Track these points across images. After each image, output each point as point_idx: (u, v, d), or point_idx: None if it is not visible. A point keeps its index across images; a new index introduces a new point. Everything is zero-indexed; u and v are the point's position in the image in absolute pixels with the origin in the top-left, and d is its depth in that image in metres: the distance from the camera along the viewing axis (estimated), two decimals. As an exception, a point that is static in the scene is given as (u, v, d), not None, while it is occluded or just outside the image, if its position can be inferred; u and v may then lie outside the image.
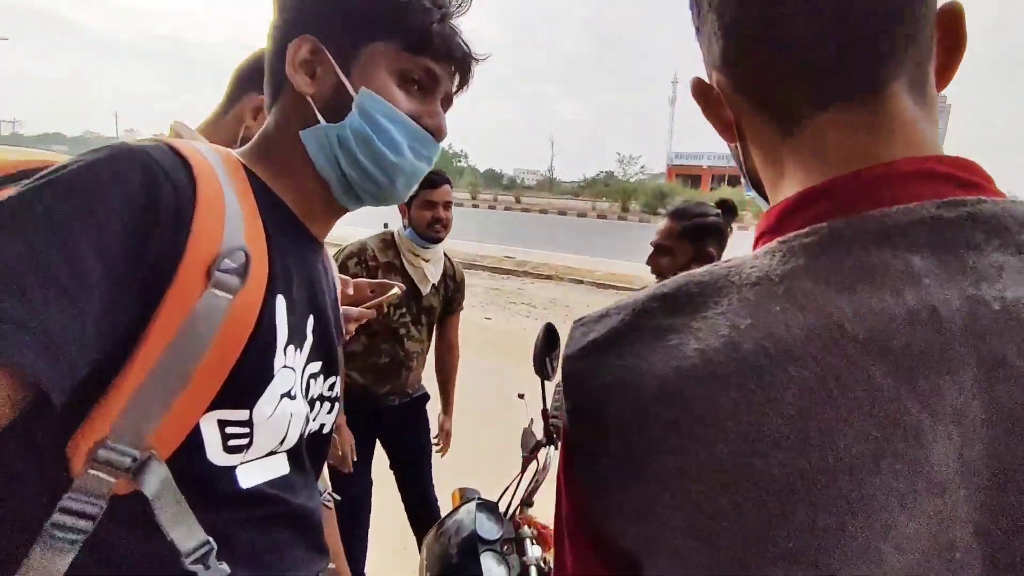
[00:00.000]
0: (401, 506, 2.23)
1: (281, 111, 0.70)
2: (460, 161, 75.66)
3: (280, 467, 0.67)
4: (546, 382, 1.32)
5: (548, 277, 10.28)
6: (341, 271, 2.04)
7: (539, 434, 1.34)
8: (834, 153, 0.40)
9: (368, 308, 1.17)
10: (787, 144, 0.43)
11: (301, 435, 0.69)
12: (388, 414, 2.07)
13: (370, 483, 2.12)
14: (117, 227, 0.50)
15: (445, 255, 2.14)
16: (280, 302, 0.62)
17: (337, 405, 0.79)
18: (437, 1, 0.67)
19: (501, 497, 1.36)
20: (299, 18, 0.67)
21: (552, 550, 1.31)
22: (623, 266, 11.36)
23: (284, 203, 0.68)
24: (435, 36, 0.67)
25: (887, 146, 0.39)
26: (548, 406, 1.29)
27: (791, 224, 0.40)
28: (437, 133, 0.71)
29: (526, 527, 1.24)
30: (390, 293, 1.22)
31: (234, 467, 0.60)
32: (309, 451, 0.73)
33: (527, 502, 1.32)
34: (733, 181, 41.01)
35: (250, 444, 0.61)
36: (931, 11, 0.40)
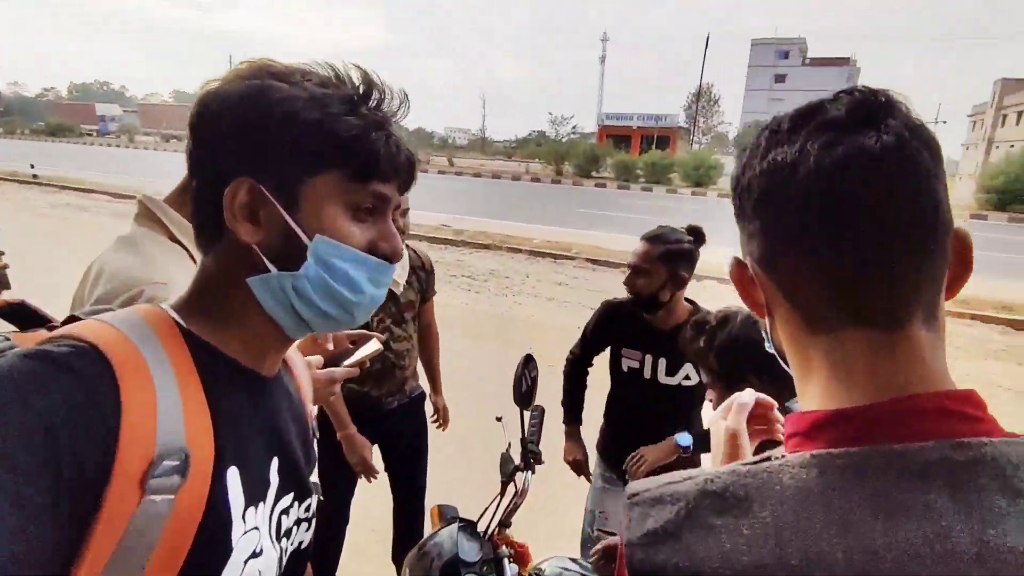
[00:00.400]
0: (374, 515, 2.24)
1: (221, 258, 0.64)
2: (389, 120, 73.09)
3: None
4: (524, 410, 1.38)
5: (486, 246, 10.29)
6: None
7: (517, 458, 1.41)
8: (860, 374, 0.47)
9: (351, 366, 1.18)
10: (814, 342, 0.50)
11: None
12: (388, 417, 2.13)
13: (353, 489, 2.17)
14: (29, 464, 0.47)
15: (410, 248, 2.17)
16: (232, 474, 0.60)
17: (315, 520, 0.79)
18: (379, 123, 0.64)
19: (480, 517, 1.43)
20: (230, 154, 0.61)
21: (528, 566, 1.40)
22: (559, 233, 11.52)
23: (228, 356, 0.64)
24: (382, 160, 0.63)
25: (907, 377, 0.46)
26: (526, 434, 1.36)
27: (823, 436, 0.47)
28: (393, 256, 0.68)
29: (504, 547, 1.32)
30: (372, 349, 1.24)
31: None
32: (289, 570, 0.73)
33: (505, 523, 1.39)
34: (661, 143, 41.90)
35: None
36: (948, 242, 0.47)
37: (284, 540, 0.71)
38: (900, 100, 0.48)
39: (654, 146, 35.95)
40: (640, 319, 1.93)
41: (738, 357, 1.12)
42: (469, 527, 1.38)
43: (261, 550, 0.64)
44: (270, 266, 0.63)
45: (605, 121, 47.76)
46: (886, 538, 0.40)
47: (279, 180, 0.61)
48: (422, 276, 2.20)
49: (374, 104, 0.64)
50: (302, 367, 0.85)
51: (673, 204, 19.18)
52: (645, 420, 1.96)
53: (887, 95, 0.48)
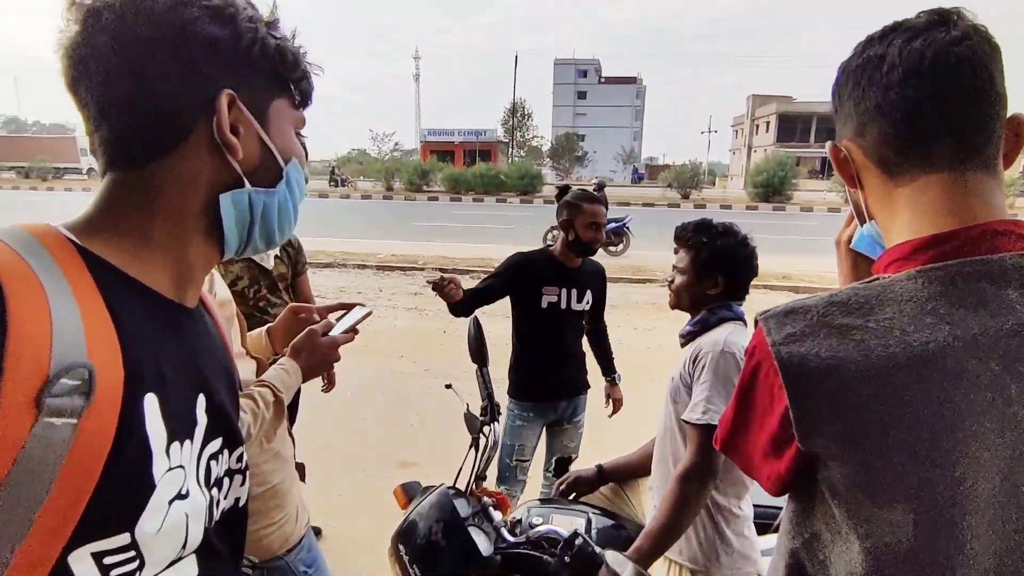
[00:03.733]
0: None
1: (179, 168, 0.59)
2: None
3: (188, 572, 0.61)
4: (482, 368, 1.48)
5: (328, 264, 9.89)
6: None
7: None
8: (940, 210, 0.61)
9: (347, 332, 1.21)
10: (897, 192, 0.64)
11: (208, 527, 0.63)
12: None
13: None
14: None
15: None
16: (150, 402, 0.53)
17: (248, 474, 0.72)
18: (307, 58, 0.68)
19: (456, 478, 1.49)
20: (208, 64, 0.58)
21: (509, 511, 1.50)
22: (402, 246, 11.47)
23: (140, 283, 0.58)
24: (312, 89, 0.69)
25: (979, 210, 0.60)
26: (487, 389, 1.46)
27: (922, 256, 0.60)
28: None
29: (485, 497, 1.40)
30: (362, 314, 1.27)
31: None
32: (224, 531, 0.67)
33: (481, 476, 1.47)
34: (483, 157, 43.42)
35: (142, 566, 0.54)
36: (1003, 114, 0.61)
37: (215, 490, 0.65)
38: (968, 13, 0.61)
39: (477, 160, 37.17)
40: (554, 263, 2.48)
41: (722, 262, 1.49)
42: (455, 489, 1.44)
43: (187, 491, 0.58)
44: (246, 181, 0.62)
45: (427, 137, 48.27)
46: (980, 325, 0.55)
47: (251, 98, 0.61)
48: (290, 251, 2.46)
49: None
50: (216, 308, 0.77)
51: (504, 212, 20.06)
52: (556, 344, 2.50)
53: (957, 11, 0.61)
